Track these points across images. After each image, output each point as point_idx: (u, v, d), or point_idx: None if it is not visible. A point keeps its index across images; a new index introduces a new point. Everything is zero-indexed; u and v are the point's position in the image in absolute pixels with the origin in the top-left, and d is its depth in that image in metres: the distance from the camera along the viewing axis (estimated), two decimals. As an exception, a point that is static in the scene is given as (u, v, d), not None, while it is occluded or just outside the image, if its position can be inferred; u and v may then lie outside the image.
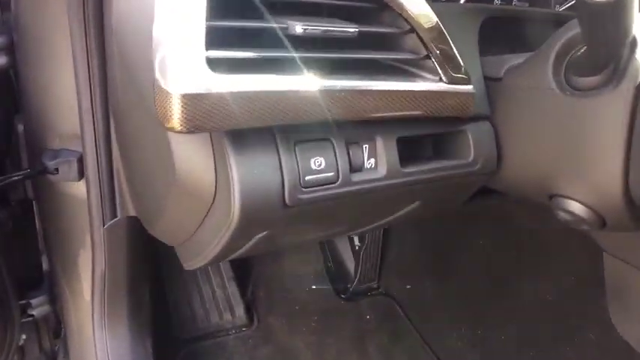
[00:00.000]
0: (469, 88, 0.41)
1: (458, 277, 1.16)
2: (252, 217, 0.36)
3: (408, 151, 0.46)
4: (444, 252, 1.19)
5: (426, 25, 0.37)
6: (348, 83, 0.34)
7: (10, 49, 0.66)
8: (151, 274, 0.90)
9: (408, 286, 1.24)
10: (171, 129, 0.30)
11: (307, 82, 0.32)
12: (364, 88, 0.34)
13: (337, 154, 0.37)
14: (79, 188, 0.70)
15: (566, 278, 0.96)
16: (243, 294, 1.10)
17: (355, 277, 1.22)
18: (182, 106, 0.29)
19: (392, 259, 1.25)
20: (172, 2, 0.29)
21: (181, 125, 0.30)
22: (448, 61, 0.39)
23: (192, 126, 0.30)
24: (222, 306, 1.06)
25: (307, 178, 0.36)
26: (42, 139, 0.69)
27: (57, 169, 0.68)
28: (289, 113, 0.32)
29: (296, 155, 0.36)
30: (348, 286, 1.24)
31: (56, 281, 0.87)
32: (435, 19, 0.38)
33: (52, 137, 0.68)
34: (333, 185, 0.37)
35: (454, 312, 1.13)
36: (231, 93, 0.30)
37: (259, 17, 0.34)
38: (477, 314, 1.10)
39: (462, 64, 0.40)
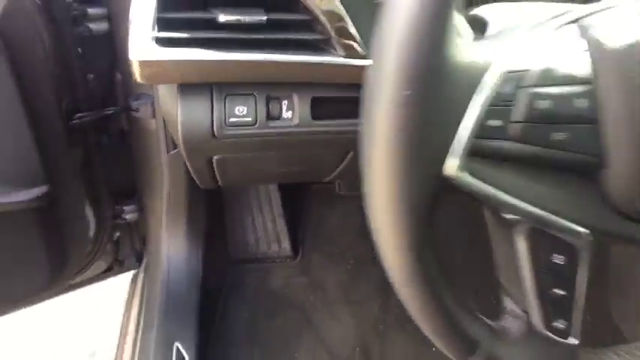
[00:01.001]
0: (366, 61, 0.52)
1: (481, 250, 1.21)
2: (192, 144, 0.53)
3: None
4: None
5: (325, 13, 0.49)
6: (259, 56, 0.48)
7: (109, 17, 0.90)
8: (209, 199, 1.11)
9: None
10: (137, 81, 0.48)
11: (223, 54, 0.48)
12: (273, 59, 0.48)
13: (257, 105, 0.52)
14: (153, 124, 0.93)
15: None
16: (291, 230, 1.28)
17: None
18: (139, 67, 0.47)
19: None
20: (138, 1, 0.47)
21: (141, 79, 0.48)
22: (348, 40, 0.50)
23: (148, 80, 0.48)
24: (271, 237, 1.26)
25: (231, 119, 0.51)
26: (132, 86, 0.92)
27: (138, 109, 0.91)
28: (212, 75, 0.48)
29: (225, 103, 0.51)
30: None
31: (141, 196, 1.13)
32: (337, 9, 0.49)
33: (138, 85, 0.90)
34: (251, 127, 0.52)
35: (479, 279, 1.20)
36: (170, 60, 0.47)
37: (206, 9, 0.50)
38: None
39: (360, 42, 0.51)
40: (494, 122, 0.31)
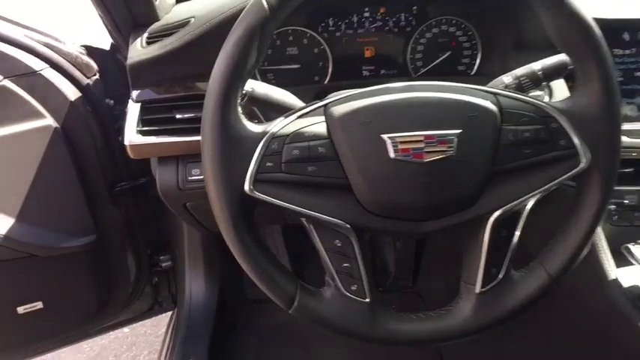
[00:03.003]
0: None
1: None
2: (166, 194, 0.80)
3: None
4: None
5: None
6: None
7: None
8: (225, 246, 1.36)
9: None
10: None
11: (179, 138, 0.76)
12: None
13: None
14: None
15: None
16: (297, 271, 1.47)
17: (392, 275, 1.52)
18: (129, 148, 0.77)
19: (427, 264, 1.51)
20: (130, 110, 0.78)
21: (132, 155, 0.77)
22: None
23: (135, 156, 0.77)
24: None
25: (189, 178, 0.78)
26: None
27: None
28: (174, 150, 0.77)
29: (185, 168, 0.79)
30: (387, 282, 1.54)
31: (173, 247, 1.41)
32: None
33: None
34: (202, 182, 0.79)
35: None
36: (147, 143, 0.76)
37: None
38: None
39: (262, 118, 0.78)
40: (269, 164, 0.54)
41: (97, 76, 1.11)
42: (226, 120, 0.52)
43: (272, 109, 0.63)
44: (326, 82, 0.90)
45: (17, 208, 0.96)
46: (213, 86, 0.52)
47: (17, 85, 0.93)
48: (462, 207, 0.56)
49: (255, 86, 0.62)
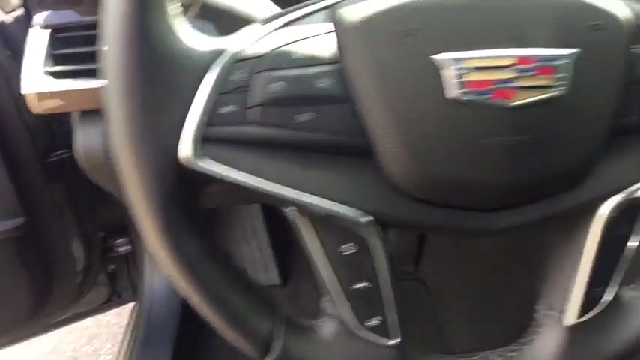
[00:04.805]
0: None
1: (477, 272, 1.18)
2: (91, 166, 0.57)
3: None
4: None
5: None
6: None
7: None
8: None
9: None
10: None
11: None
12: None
13: None
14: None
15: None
16: (279, 259, 1.29)
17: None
18: (36, 99, 0.52)
19: (430, 250, 1.32)
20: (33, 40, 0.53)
21: (37, 110, 0.52)
22: None
23: (44, 111, 0.52)
24: (258, 266, 1.27)
25: None
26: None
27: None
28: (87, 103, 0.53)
29: None
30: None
31: (132, 229, 1.18)
32: None
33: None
34: None
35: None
36: (61, 91, 0.52)
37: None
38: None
39: None
40: (228, 108, 0.32)
41: (20, 13, 0.86)
42: (145, 22, 0.28)
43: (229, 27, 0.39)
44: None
45: None
46: None
47: None
48: (564, 188, 0.33)
49: None
